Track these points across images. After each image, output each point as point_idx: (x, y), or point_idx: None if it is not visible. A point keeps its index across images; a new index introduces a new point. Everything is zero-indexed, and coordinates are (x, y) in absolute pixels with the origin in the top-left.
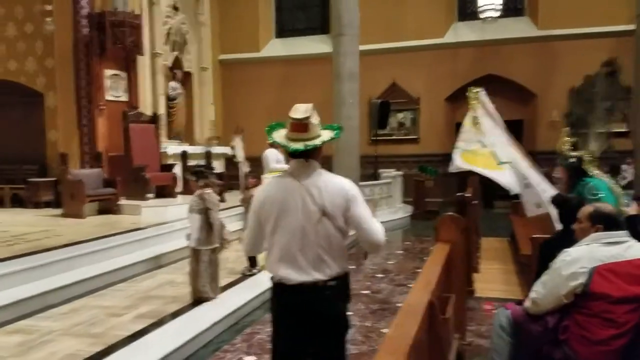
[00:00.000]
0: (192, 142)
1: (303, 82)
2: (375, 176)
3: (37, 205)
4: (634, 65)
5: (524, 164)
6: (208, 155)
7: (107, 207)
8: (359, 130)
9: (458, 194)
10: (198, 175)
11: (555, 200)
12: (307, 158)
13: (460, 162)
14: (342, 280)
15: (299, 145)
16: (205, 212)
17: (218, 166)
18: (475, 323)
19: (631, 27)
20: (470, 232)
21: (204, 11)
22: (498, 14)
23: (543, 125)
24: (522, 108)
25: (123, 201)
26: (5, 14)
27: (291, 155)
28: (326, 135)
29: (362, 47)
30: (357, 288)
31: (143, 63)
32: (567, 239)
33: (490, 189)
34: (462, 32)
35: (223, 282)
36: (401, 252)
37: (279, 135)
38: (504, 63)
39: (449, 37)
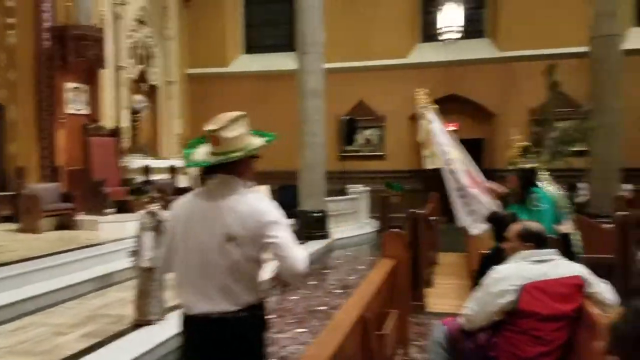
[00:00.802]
0: (157, 156)
1: (271, 98)
2: (343, 192)
3: None
4: (590, 86)
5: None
6: (147, 170)
7: (65, 222)
8: (327, 147)
9: (410, 210)
10: (136, 193)
11: (490, 218)
12: (226, 174)
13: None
14: (256, 310)
15: (201, 159)
16: (156, 229)
17: (185, 180)
18: (423, 338)
19: (586, 49)
20: (421, 248)
21: (171, 25)
22: (458, 35)
23: (502, 144)
24: (482, 127)
25: (81, 216)
26: None
27: (205, 171)
28: (246, 146)
29: (330, 65)
30: (314, 304)
31: (106, 76)
32: (502, 255)
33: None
34: (425, 53)
35: (170, 302)
36: (364, 267)
37: (202, 151)
38: (465, 83)
39: (413, 58)
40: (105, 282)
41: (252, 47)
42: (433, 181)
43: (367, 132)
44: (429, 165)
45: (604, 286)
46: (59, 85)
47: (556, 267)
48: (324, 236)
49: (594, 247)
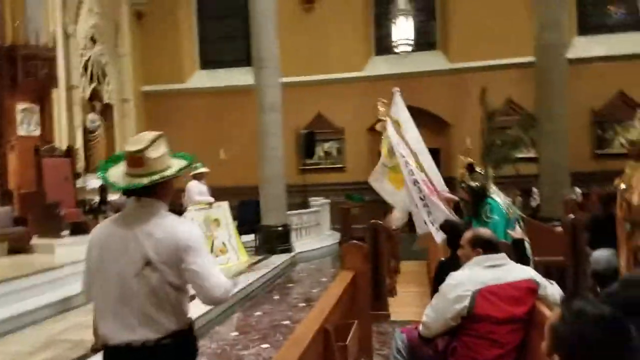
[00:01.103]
0: None
1: (229, 113)
2: (304, 205)
3: None
4: (536, 95)
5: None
6: (103, 189)
7: (19, 247)
8: (287, 160)
9: (371, 221)
10: (92, 213)
11: (443, 227)
12: (146, 197)
13: (385, 183)
14: (181, 337)
15: (124, 183)
16: None
17: None
18: (387, 347)
19: (532, 58)
20: (382, 258)
21: (124, 42)
22: (411, 48)
23: (458, 153)
24: (439, 137)
25: (36, 240)
26: None
27: (124, 194)
28: (170, 168)
29: (288, 79)
30: (278, 319)
31: (58, 96)
32: (457, 262)
33: None
34: (379, 66)
35: None
36: (326, 279)
37: (116, 173)
38: (420, 95)
39: (368, 71)
40: (63, 306)
41: (209, 62)
42: None
43: (327, 145)
44: (371, 181)
45: (555, 288)
46: (8, 107)
47: (508, 271)
48: (287, 250)
49: (545, 251)
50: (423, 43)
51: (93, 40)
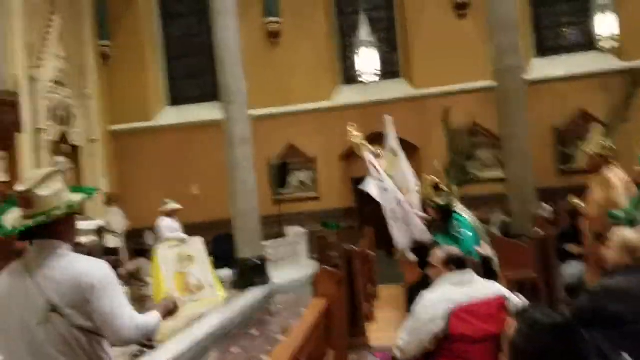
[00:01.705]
0: (83, 218)
1: (198, 148)
2: (280, 235)
3: None
4: (498, 117)
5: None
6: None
7: None
8: (260, 192)
9: (344, 246)
10: None
11: (414, 248)
12: (42, 239)
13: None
14: None
15: (11, 226)
16: None
17: (114, 241)
18: None
19: (492, 82)
20: (357, 283)
21: (90, 84)
22: (376, 78)
23: (427, 174)
24: (409, 160)
25: None
26: None
27: (19, 239)
28: (65, 203)
29: (257, 112)
30: (257, 354)
31: (25, 140)
32: (427, 282)
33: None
34: (346, 95)
35: None
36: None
37: (13, 217)
38: None
39: (335, 100)
40: None
41: (177, 99)
42: (367, 217)
43: (300, 175)
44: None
45: (523, 302)
46: None
47: (478, 288)
48: (264, 282)
49: (516, 267)
50: (387, 72)
51: (59, 84)
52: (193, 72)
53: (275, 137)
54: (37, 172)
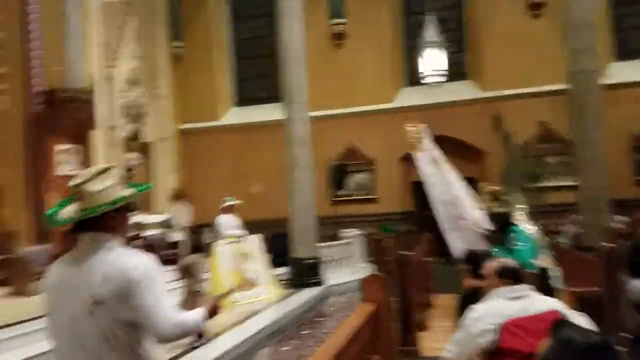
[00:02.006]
0: (150, 212)
1: (261, 148)
2: (336, 237)
3: None
4: (570, 122)
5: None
6: (139, 226)
7: None
8: (318, 192)
9: (399, 252)
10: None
11: (467, 258)
12: (94, 231)
13: None
14: None
15: (66, 217)
16: None
17: (179, 235)
18: None
19: (566, 85)
20: (409, 290)
21: (162, 83)
22: (441, 79)
23: (494, 182)
24: (473, 166)
25: None
26: None
27: (73, 231)
28: (114, 199)
29: (318, 113)
30: (306, 354)
31: (99, 136)
32: (479, 294)
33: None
34: (410, 97)
35: (165, 357)
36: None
37: (69, 210)
38: (452, 124)
39: (399, 102)
40: None
41: (243, 99)
42: (426, 222)
43: (358, 176)
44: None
45: (582, 320)
46: (49, 148)
47: (532, 302)
48: (318, 283)
49: (583, 281)
50: (454, 73)
51: (133, 83)
52: (260, 73)
53: (336, 138)
54: (93, 168)
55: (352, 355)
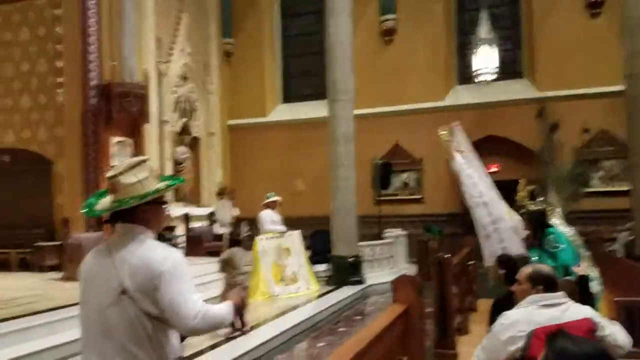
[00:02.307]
0: (198, 204)
1: (306, 145)
2: (380, 236)
3: (42, 269)
4: (628, 125)
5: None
6: (186, 218)
7: None
8: (363, 191)
9: (438, 254)
10: (159, 238)
11: (500, 260)
12: (126, 223)
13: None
14: None
15: (94, 210)
16: None
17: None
18: None
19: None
20: (448, 293)
21: (213, 80)
22: (493, 77)
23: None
24: (523, 167)
25: None
26: (22, 87)
27: (107, 222)
28: (141, 195)
29: (365, 111)
30: None
31: (150, 130)
32: (512, 300)
33: None
34: (462, 95)
35: (205, 344)
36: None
37: (106, 201)
38: (504, 124)
39: (450, 100)
40: None
41: (290, 96)
42: (472, 225)
43: (404, 176)
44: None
45: (616, 328)
46: (104, 140)
47: (566, 311)
48: (358, 282)
49: (629, 290)
50: (509, 72)
51: (184, 78)
52: (307, 70)
53: (382, 136)
54: (127, 161)
55: (380, 353)
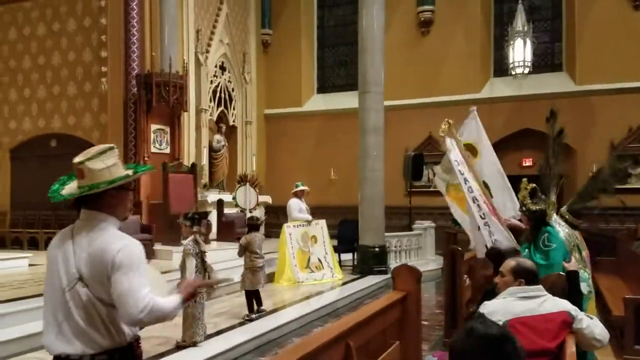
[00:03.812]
0: (232, 191)
1: (338, 135)
2: (410, 227)
3: None
4: None
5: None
6: (220, 203)
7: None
8: (394, 182)
9: (452, 246)
10: (193, 221)
11: (489, 254)
12: (89, 209)
13: (444, 192)
14: (118, 354)
15: (60, 195)
16: (200, 256)
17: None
18: None
19: None
20: (460, 284)
21: (250, 70)
22: (528, 70)
23: (583, 180)
24: (561, 163)
25: (158, 246)
26: (68, 75)
27: (71, 207)
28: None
29: (400, 102)
30: None
31: (188, 118)
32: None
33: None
34: (498, 87)
35: (223, 325)
36: (434, 303)
37: (72, 186)
38: (540, 117)
39: (486, 92)
40: None
41: (325, 87)
42: None
43: (437, 167)
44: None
45: (592, 321)
46: (144, 127)
47: (543, 303)
48: (384, 271)
49: None
50: (547, 64)
51: (222, 68)
52: (342, 60)
53: (416, 127)
54: (95, 147)
55: (372, 334)
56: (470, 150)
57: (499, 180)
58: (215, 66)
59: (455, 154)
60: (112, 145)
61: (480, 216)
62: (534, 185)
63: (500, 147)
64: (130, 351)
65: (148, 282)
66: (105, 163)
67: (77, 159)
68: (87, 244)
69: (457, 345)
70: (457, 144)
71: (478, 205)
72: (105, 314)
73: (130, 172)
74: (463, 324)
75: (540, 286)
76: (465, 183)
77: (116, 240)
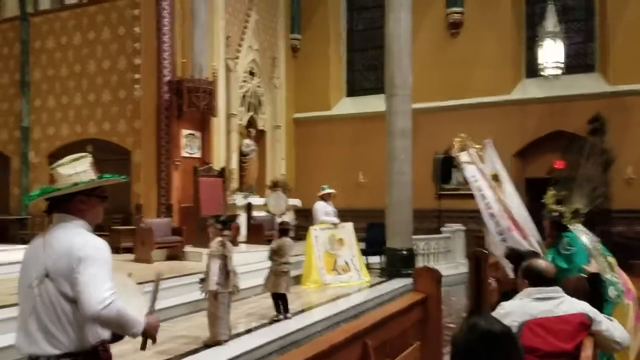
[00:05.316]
0: (262, 195)
1: (367, 138)
2: (439, 230)
3: (117, 251)
4: None
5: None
6: (249, 207)
7: (174, 254)
8: (422, 185)
9: (476, 249)
10: (224, 224)
11: (509, 255)
12: (59, 213)
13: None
14: (83, 358)
15: (30, 196)
16: (224, 258)
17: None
18: None
19: None
20: (484, 287)
21: (280, 74)
22: (560, 71)
23: (618, 183)
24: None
25: (189, 248)
26: (103, 82)
27: (46, 211)
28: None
29: (430, 104)
30: None
31: (218, 123)
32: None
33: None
34: (529, 89)
35: (251, 325)
36: (445, 307)
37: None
38: (573, 119)
39: (516, 94)
40: (193, 307)
41: (354, 90)
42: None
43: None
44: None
45: (611, 324)
46: (176, 132)
47: (560, 304)
48: (411, 274)
49: None
50: (580, 65)
51: (251, 74)
52: (371, 64)
53: (446, 130)
54: (70, 155)
55: (393, 334)
56: (496, 180)
57: (522, 213)
58: (245, 72)
59: (471, 170)
60: (85, 153)
61: (498, 232)
62: (562, 193)
63: (531, 149)
64: (96, 356)
65: (111, 280)
66: (75, 169)
67: (52, 165)
68: (56, 241)
69: (458, 340)
70: (476, 158)
71: (496, 222)
72: (71, 311)
73: (93, 178)
74: (466, 319)
75: (557, 287)
76: (483, 199)
77: (83, 237)
